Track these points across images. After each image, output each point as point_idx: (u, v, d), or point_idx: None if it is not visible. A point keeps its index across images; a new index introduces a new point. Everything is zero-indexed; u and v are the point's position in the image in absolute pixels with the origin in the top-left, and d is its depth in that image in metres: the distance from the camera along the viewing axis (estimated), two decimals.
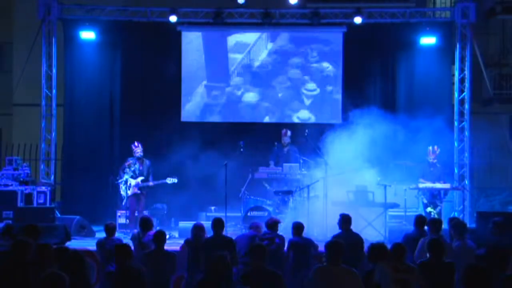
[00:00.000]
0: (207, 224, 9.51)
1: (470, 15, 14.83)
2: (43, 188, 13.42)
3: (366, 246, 7.10)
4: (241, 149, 13.09)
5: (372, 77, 15.36)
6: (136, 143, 13.35)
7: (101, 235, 10.28)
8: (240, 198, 12.99)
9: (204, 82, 15.61)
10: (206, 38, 15.63)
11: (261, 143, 14.20)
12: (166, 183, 13.25)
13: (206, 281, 6.58)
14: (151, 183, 13.18)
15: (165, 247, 8.55)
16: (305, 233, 9.50)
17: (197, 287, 6.59)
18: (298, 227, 9.32)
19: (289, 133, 13.86)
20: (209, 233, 9.10)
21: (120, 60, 15.60)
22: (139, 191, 13.20)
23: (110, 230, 9.41)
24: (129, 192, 13.03)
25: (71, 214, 13.61)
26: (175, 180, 13.23)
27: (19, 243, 6.59)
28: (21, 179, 13.19)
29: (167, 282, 8.29)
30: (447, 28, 15.29)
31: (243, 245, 8.92)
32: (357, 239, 9.01)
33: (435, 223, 8.94)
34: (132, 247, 9.40)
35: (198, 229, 9.03)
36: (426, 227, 9.04)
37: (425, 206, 12.84)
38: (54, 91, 15.21)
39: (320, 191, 12.65)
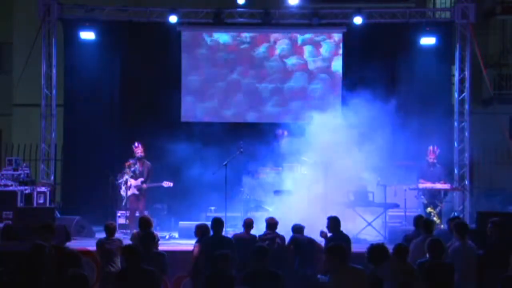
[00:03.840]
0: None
1: (470, 15, 14.82)
2: (43, 189, 13.42)
3: (365, 247, 7.08)
4: (241, 149, 13.09)
5: (372, 78, 15.30)
6: (136, 144, 13.37)
7: (101, 235, 10.28)
8: (240, 198, 12.99)
9: (204, 83, 15.64)
10: (206, 39, 15.64)
11: (261, 143, 14.19)
12: (162, 186, 13.29)
13: (212, 280, 6.64)
14: (144, 186, 13.19)
15: (165, 248, 8.54)
16: (305, 233, 9.51)
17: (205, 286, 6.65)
18: (297, 229, 9.34)
19: (286, 133, 13.88)
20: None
21: (120, 60, 15.59)
22: (137, 192, 13.20)
23: (110, 230, 9.40)
24: (129, 192, 13.04)
25: (71, 214, 13.61)
26: (171, 184, 13.28)
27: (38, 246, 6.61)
28: (21, 180, 13.18)
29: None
30: (447, 28, 15.28)
31: (241, 246, 8.90)
32: (347, 241, 8.99)
33: (427, 224, 8.89)
34: None
35: (202, 229, 9.05)
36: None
37: (425, 206, 12.84)
38: (54, 91, 15.21)
39: (320, 191, 12.64)
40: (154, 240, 8.51)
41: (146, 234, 8.47)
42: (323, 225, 10.26)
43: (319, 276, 7.96)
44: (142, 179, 13.21)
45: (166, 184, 13.26)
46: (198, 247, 8.90)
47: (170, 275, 9.09)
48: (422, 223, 9.00)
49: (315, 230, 9.77)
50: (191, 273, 8.91)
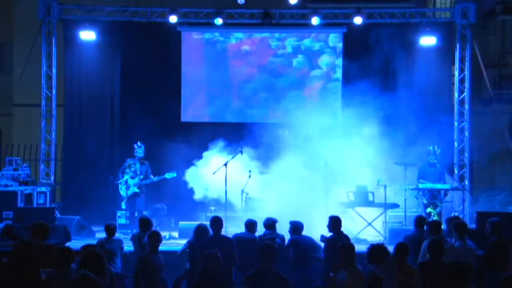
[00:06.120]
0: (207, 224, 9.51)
1: (470, 16, 14.83)
2: (43, 189, 13.43)
3: (365, 247, 7.09)
4: (241, 149, 13.09)
5: (372, 78, 15.33)
6: (139, 143, 13.38)
7: (101, 235, 10.28)
8: (240, 198, 12.98)
9: (204, 83, 15.64)
10: (206, 39, 15.64)
11: (261, 143, 14.19)
12: (166, 178, 13.29)
13: (202, 281, 6.59)
14: (147, 180, 13.22)
15: (166, 248, 8.55)
16: (305, 234, 9.50)
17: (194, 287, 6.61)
18: (296, 229, 9.31)
19: (286, 133, 13.90)
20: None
21: (120, 60, 15.61)
22: (138, 190, 13.21)
23: (110, 230, 9.42)
24: (129, 192, 13.05)
25: (71, 215, 13.63)
26: (174, 174, 13.28)
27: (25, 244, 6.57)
28: (21, 180, 13.19)
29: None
30: (447, 28, 15.29)
31: (241, 246, 8.88)
32: (347, 241, 8.98)
33: (435, 225, 8.89)
34: (133, 247, 9.47)
35: (201, 229, 9.04)
36: (426, 228, 9.02)
37: (425, 206, 12.83)
38: (54, 91, 15.22)
39: (320, 191, 12.65)
40: (160, 241, 8.54)
41: (154, 234, 8.44)
42: (323, 226, 10.29)
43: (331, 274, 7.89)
44: (141, 176, 13.22)
45: (169, 175, 13.26)
46: (187, 246, 8.95)
47: (170, 275, 9.07)
48: (429, 225, 8.96)
49: (314, 229, 9.78)
50: (189, 273, 8.89)
